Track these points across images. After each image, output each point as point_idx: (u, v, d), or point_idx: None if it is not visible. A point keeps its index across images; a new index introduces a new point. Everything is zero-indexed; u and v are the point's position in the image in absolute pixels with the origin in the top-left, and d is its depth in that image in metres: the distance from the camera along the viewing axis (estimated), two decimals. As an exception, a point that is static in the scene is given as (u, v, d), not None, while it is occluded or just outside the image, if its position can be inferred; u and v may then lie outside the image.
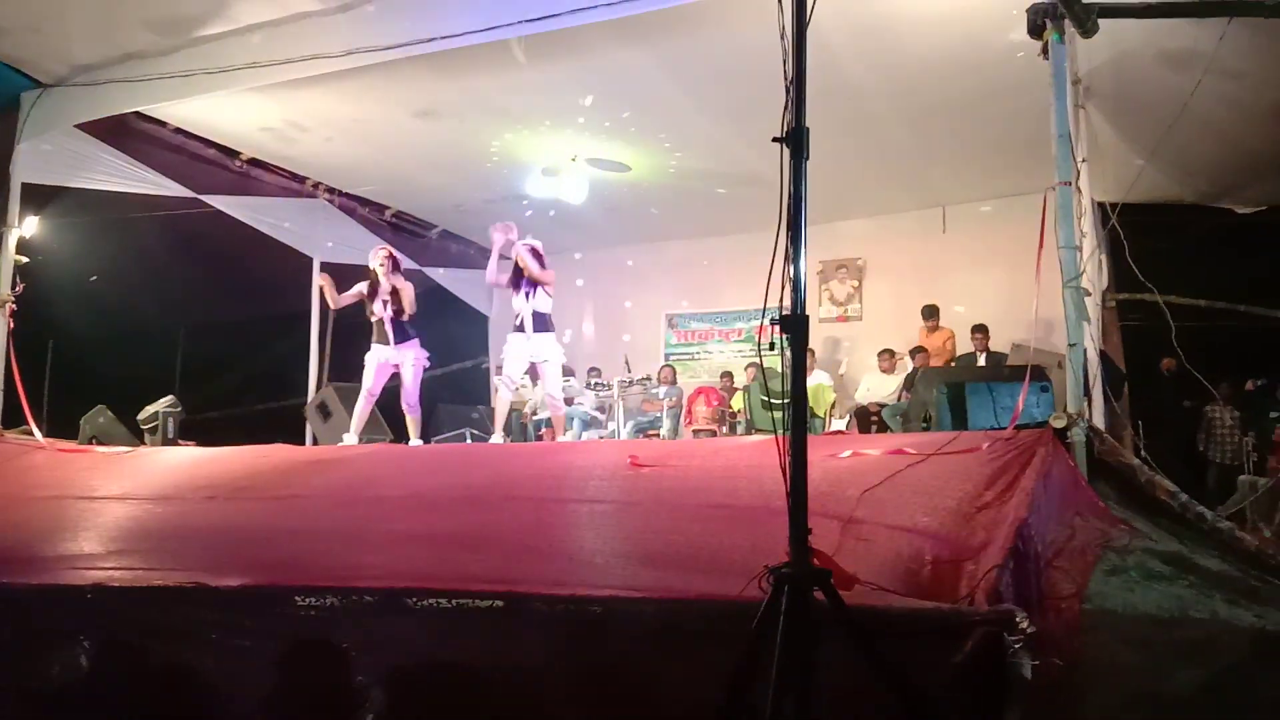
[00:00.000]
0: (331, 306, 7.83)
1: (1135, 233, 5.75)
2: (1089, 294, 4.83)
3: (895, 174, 9.30)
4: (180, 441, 7.96)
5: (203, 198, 8.71)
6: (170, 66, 6.86)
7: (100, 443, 7.47)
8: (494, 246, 7.30)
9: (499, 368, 7.65)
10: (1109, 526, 3.67)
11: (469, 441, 9.35)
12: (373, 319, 7.44)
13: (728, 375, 10.66)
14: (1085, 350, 4.55)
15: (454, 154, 8.85)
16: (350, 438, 7.32)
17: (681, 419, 10.07)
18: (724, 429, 9.77)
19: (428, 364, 7.58)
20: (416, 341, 7.47)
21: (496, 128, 8.31)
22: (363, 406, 7.38)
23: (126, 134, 7.87)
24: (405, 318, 7.38)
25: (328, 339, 9.88)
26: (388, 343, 7.33)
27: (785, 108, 2.41)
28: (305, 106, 7.83)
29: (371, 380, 7.35)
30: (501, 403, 7.40)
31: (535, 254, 7.22)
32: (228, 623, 3.00)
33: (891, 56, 6.78)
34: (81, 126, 7.55)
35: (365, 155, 8.95)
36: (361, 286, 7.50)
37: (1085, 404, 4.41)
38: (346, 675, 2.88)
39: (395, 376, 7.48)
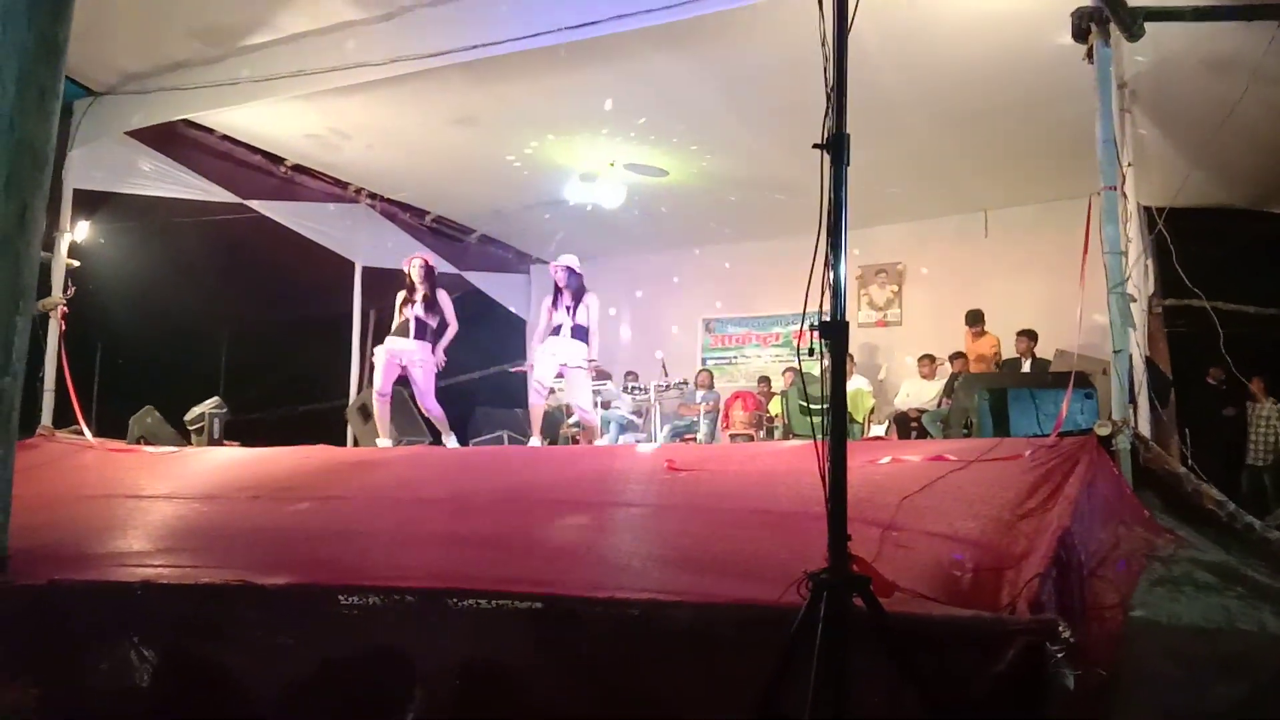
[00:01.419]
0: None
1: (1182, 238, 5.66)
2: (1134, 300, 4.77)
3: (935, 179, 9.22)
4: (225, 442, 8.10)
5: (248, 203, 8.90)
6: (217, 75, 7.01)
7: (148, 442, 7.62)
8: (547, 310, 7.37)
9: (533, 367, 7.70)
10: (1154, 536, 3.62)
11: (506, 444, 9.39)
12: (401, 317, 7.47)
13: (765, 380, 10.64)
14: (1131, 357, 4.50)
15: (492, 160, 8.91)
16: (383, 441, 7.35)
17: (718, 423, 10.05)
18: (761, 434, 9.73)
19: (441, 364, 7.54)
20: (430, 344, 7.47)
21: (534, 134, 8.35)
22: (379, 409, 7.40)
23: (175, 141, 8.04)
24: (445, 327, 7.43)
25: (369, 342, 9.98)
26: (405, 335, 7.33)
27: (826, 114, 2.41)
28: (348, 114, 7.93)
29: (380, 380, 7.34)
30: (535, 408, 7.44)
31: (573, 272, 7.29)
32: (272, 621, 3.04)
33: (929, 61, 6.73)
34: (131, 133, 7.73)
35: (405, 162, 9.06)
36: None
37: (1130, 411, 4.36)
38: (387, 675, 2.92)
39: (405, 381, 7.47)
